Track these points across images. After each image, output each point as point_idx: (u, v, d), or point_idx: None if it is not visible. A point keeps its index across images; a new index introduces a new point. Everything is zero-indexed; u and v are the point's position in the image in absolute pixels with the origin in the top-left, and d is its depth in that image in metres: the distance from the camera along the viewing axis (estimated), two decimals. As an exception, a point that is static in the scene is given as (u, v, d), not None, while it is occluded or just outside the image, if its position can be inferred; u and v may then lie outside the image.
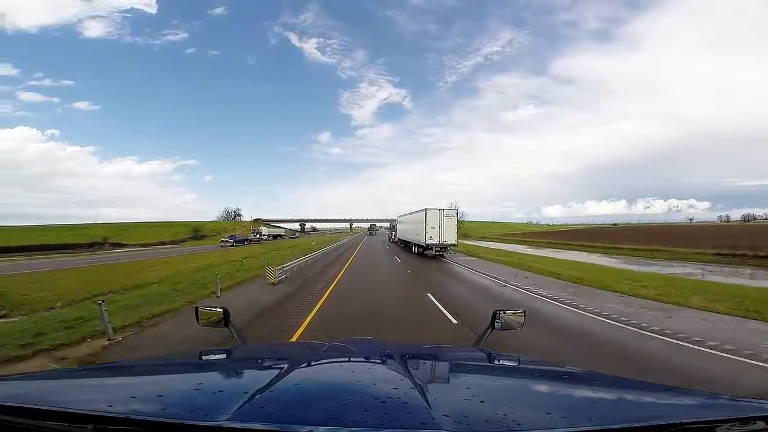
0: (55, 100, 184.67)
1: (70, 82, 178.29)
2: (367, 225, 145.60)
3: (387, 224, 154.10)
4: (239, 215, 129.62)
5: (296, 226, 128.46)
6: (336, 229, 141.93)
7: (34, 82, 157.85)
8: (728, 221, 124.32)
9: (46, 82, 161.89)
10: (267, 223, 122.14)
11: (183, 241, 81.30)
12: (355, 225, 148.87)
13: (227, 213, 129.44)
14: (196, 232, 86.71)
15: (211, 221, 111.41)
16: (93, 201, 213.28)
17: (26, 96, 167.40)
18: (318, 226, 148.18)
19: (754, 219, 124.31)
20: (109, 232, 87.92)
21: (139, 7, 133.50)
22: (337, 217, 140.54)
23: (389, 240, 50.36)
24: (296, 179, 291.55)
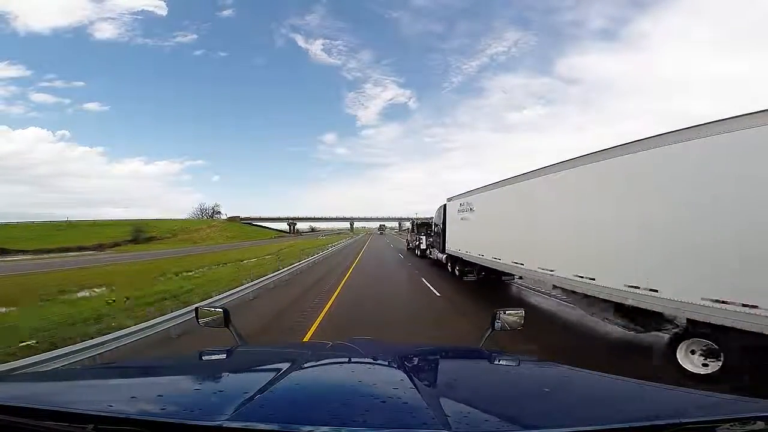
0: (66, 101, 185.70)
1: (81, 83, 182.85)
2: (370, 224, 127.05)
3: (395, 224, 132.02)
4: (218, 212, 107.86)
5: (284, 225, 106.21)
6: (338, 230, 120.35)
7: (45, 84, 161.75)
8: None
9: (58, 83, 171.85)
10: (248, 221, 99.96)
11: (116, 245, 59.83)
12: (358, 225, 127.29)
13: (202, 210, 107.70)
14: (138, 233, 65.46)
15: (173, 219, 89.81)
16: (99, 201, 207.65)
17: (38, 97, 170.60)
18: (319, 225, 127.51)
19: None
20: (45, 232, 69.02)
21: (150, 8, 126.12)
22: (337, 216, 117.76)
23: (408, 249, 28.08)
24: (300, 179, 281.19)
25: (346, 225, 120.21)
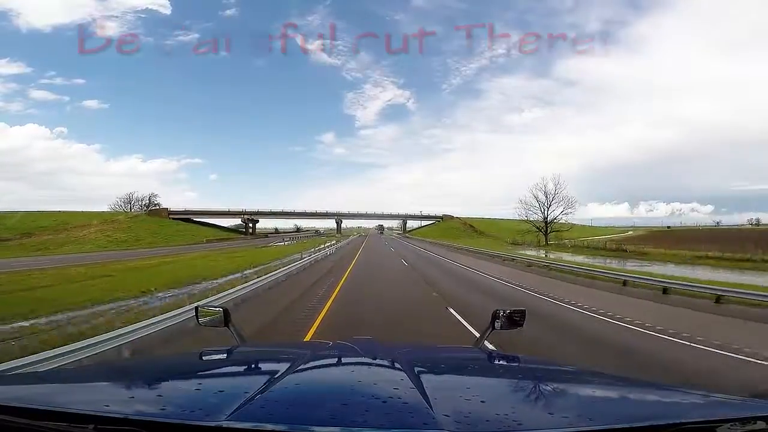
0: (66, 98, 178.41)
1: (81, 81, 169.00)
2: (365, 223, 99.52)
3: (396, 223, 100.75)
4: (156, 204, 78.38)
5: (263, 224, 77.38)
6: (326, 230, 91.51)
7: (45, 81, 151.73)
8: (758, 225, 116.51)
9: (58, 80, 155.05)
10: (185, 216, 71.22)
11: None
12: (350, 224, 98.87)
13: (131, 201, 78.12)
14: None
15: (54, 212, 60.82)
16: (95, 198, 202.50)
17: (37, 94, 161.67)
18: (301, 222, 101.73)
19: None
20: None
21: (154, 8, 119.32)
22: (317, 211, 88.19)
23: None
24: (297, 178, 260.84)
25: (332, 223, 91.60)
